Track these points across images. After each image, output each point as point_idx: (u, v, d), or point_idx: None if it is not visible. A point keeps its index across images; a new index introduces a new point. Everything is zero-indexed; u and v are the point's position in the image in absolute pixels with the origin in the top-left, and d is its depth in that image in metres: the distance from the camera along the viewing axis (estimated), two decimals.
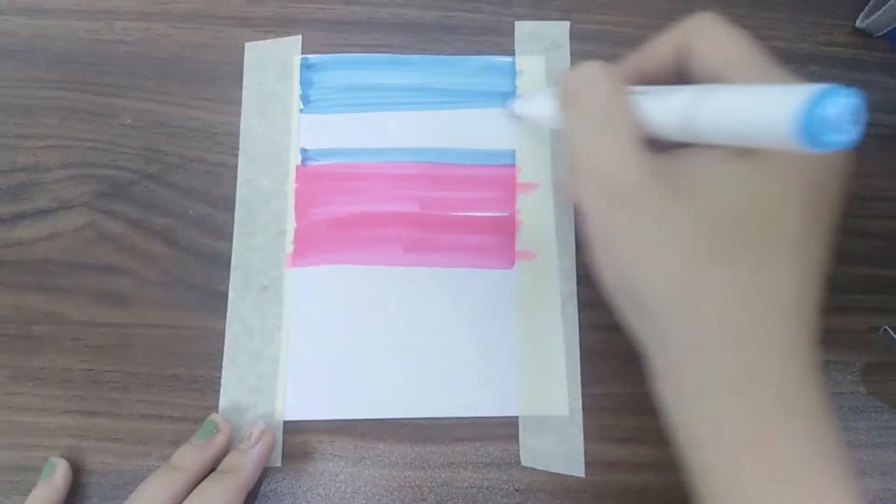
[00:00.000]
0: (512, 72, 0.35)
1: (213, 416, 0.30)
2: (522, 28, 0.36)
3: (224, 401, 0.31)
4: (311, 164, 0.34)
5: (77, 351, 0.32)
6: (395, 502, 0.30)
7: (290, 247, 0.33)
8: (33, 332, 0.32)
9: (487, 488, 0.31)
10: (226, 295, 0.32)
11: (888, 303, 0.34)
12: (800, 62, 0.37)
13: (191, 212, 0.34)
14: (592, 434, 0.31)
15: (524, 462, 0.31)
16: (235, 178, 0.34)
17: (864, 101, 0.14)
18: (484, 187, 0.34)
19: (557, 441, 0.31)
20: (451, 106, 0.35)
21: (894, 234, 0.35)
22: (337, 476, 0.31)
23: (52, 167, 0.34)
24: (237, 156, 0.34)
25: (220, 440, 0.29)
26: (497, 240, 0.33)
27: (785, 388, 0.17)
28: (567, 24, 0.36)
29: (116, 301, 0.33)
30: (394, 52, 0.36)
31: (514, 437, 0.31)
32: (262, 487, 0.30)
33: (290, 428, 0.31)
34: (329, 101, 0.35)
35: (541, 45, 0.36)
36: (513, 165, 0.34)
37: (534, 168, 0.34)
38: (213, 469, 0.29)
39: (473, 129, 0.35)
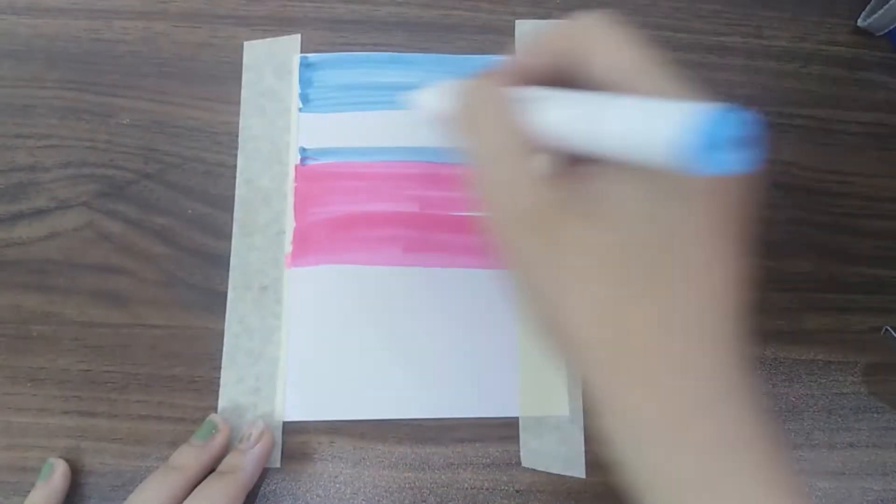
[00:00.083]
0: None
1: (213, 417, 0.30)
2: (522, 27, 0.36)
3: (223, 401, 0.31)
4: (311, 163, 0.34)
5: (76, 351, 0.32)
6: (395, 503, 0.30)
7: (289, 247, 0.33)
8: (32, 332, 0.32)
9: (488, 489, 0.31)
10: (225, 295, 0.32)
11: (889, 303, 0.34)
12: (801, 61, 0.37)
13: (190, 211, 0.33)
14: (593, 434, 0.31)
15: (525, 463, 0.31)
16: (234, 177, 0.34)
17: (760, 125, 0.13)
18: None
19: (558, 442, 0.31)
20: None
21: (894, 234, 0.35)
22: (336, 477, 0.31)
23: (51, 167, 0.34)
24: (236, 155, 0.34)
25: (219, 441, 0.29)
26: None
27: (722, 421, 0.16)
28: None
29: (115, 301, 0.32)
30: (393, 52, 0.35)
31: (515, 437, 0.31)
32: (262, 488, 0.30)
33: (290, 428, 0.31)
34: (328, 100, 0.35)
35: None
36: None
37: None
38: (212, 470, 0.29)
39: None
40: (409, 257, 0.33)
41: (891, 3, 0.35)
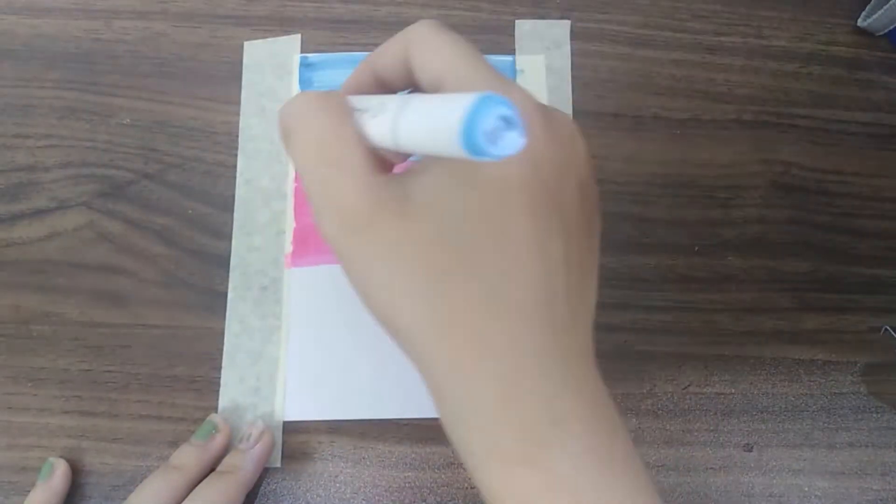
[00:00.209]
0: (512, 71, 0.35)
1: (213, 417, 0.30)
2: (523, 27, 0.36)
3: (223, 401, 0.31)
4: None
5: (76, 351, 0.32)
6: (395, 503, 0.30)
7: (289, 247, 0.33)
8: (32, 332, 0.32)
9: None
10: (225, 295, 0.32)
11: (889, 303, 0.34)
12: (801, 61, 0.37)
13: (190, 211, 0.33)
14: None
15: None
16: (234, 177, 0.34)
17: (519, 113, 0.14)
18: None
19: None
20: None
21: (894, 234, 0.35)
22: (337, 476, 0.31)
23: (51, 167, 0.34)
24: (236, 155, 0.34)
25: (219, 440, 0.29)
26: None
27: (548, 396, 0.17)
28: (567, 22, 0.36)
29: (115, 301, 0.32)
30: None
31: None
32: (262, 488, 0.30)
33: (290, 428, 0.31)
34: None
35: (541, 43, 0.36)
36: None
37: None
38: (212, 469, 0.29)
39: None
40: None
41: (890, 3, 0.35)
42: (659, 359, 0.33)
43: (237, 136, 0.34)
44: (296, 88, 0.35)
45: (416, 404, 0.31)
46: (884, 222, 0.35)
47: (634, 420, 0.32)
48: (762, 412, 0.32)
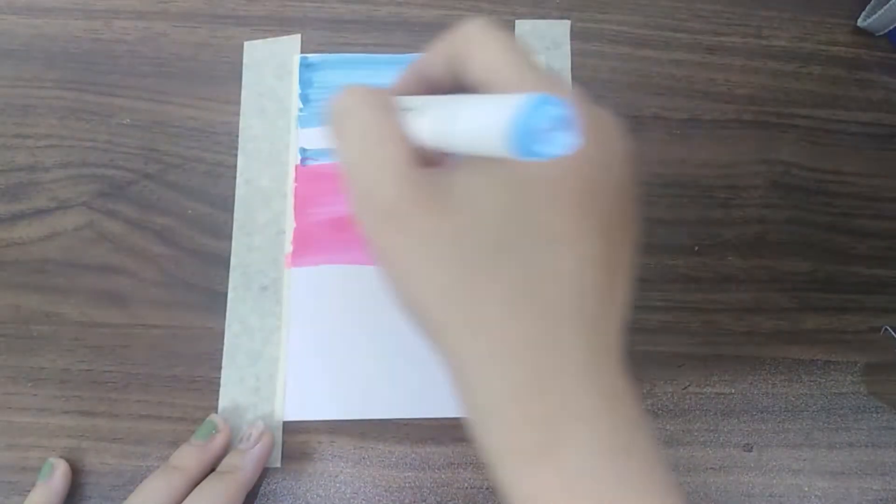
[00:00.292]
0: None
1: (213, 417, 0.30)
2: (523, 27, 0.36)
3: (223, 401, 0.31)
4: (311, 163, 0.34)
5: (76, 351, 0.32)
6: (395, 503, 0.30)
7: (289, 247, 0.33)
8: (32, 332, 0.32)
9: (488, 489, 0.31)
10: (225, 295, 0.32)
11: (888, 303, 0.34)
12: (801, 61, 0.37)
13: (190, 211, 0.33)
14: None
15: None
16: (234, 177, 0.34)
17: (573, 113, 0.14)
18: None
19: None
20: None
21: (894, 234, 0.35)
22: (337, 476, 0.31)
23: (51, 167, 0.34)
24: (236, 155, 0.34)
25: (219, 441, 0.29)
26: None
27: (575, 395, 0.17)
28: (567, 22, 0.36)
29: (115, 301, 0.32)
30: (393, 52, 0.35)
31: None
32: (262, 488, 0.30)
33: (290, 428, 0.31)
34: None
35: (541, 43, 0.36)
36: None
37: None
38: (212, 470, 0.29)
39: None
40: None
41: (890, 3, 0.35)
42: (659, 359, 0.33)
43: (237, 136, 0.34)
44: (296, 89, 0.35)
45: (416, 404, 0.31)
46: (883, 222, 0.35)
47: None
48: (762, 412, 0.32)
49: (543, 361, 0.17)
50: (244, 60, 0.35)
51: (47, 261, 0.33)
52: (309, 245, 0.33)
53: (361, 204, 0.19)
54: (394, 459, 0.31)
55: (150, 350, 0.32)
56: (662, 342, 0.33)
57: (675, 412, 0.32)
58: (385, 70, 0.35)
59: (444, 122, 0.17)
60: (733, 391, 0.33)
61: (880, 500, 0.32)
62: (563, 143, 0.14)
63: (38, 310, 0.32)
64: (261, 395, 0.31)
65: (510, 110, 0.14)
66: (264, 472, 0.30)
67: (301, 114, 0.35)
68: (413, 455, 0.31)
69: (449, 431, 0.31)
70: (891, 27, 0.36)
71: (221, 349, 0.32)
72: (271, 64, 0.35)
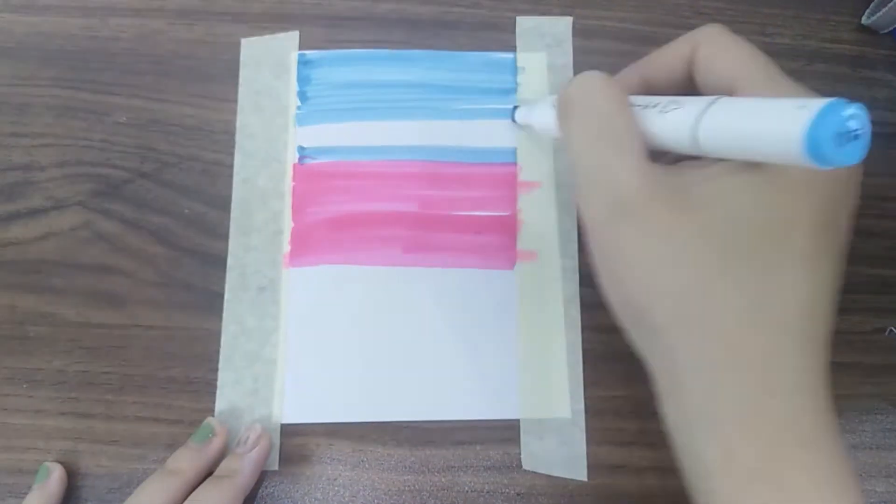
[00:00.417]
0: (513, 68, 0.35)
1: (210, 420, 0.30)
2: (524, 24, 0.36)
3: (220, 403, 0.31)
4: (309, 162, 0.34)
5: (72, 352, 0.32)
6: None
7: (287, 247, 0.33)
8: (28, 332, 0.32)
9: (488, 492, 0.30)
10: (222, 296, 0.32)
11: (893, 303, 0.34)
12: (805, 59, 0.36)
13: (186, 211, 0.33)
14: (595, 437, 0.31)
15: (525, 465, 0.31)
16: (232, 176, 0.33)
17: (868, 115, 0.14)
18: (485, 186, 0.33)
19: (559, 444, 0.31)
20: (451, 103, 0.34)
21: None
22: (335, 480, 0.30)
23: (47, 166, 0.34)
24: (233, 154, 0.34)
25: (216, 444, 0.29)
26: (498, 240, 0.33)
27: (796, 415, 0.17)
28: (569, 19, 0.36)
29: (111, 302, 0.32)
30: (393, 49, 0.35)
31: (516, 440, 0.31)
32: (260, 491, 0.30)
33: (288, 431, 0.31)
34: (327, 98, 0.34)
35: (542, 41, 0.35)
36: (514, 164, 0.34)
37: (535, 166, 0.34)
38: (209, 473, 0.29)
39: (474, 127, 0.34)
40: (408, 257, 0.33)
41: (895, 0, 0.34)
42: None
43: (234, 135, 0.34)
44: (294, 86, 0.35)
45: (415, 407, 0.31)
46: (889, 222, 0.35)
47: (639, 422, 0.31)
48: None
49: (772, 380, 0.17)
50: (241, 58, 0.35)
51: (43, 261, 0.33)
52: (307, 245, 0.33)
53: (592, 190, 0.18)
54: (393, 462, 0.31)
55: (146, 351, 0.32)
56: None
57: None
58: (385, 67, 0.35)
59: (702, 121, 0.16)
60: None
61: (885, 502, 0.32)
62: (854, 151, 0.14)
63: (33, 310, 0.32)
64: (258, 397, 0.31)
65: (805, 114, 0.13)
66: (262, 476, 0.30)
67: (299, 111, 0.34)
68: (412, 458, 0.31)
69: (449, 434, 0.31)
70: (895, 25, 0.36)
71: (219, 350, 0.31)
72: (269, 61, 0.35)
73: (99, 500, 0.30)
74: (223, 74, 0.35)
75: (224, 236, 0.33)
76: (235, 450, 0.29)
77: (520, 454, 0.31)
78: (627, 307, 0.19)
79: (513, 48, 0.35)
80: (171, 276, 0.32)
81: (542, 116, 0.29)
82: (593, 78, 0.19)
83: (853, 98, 0.36)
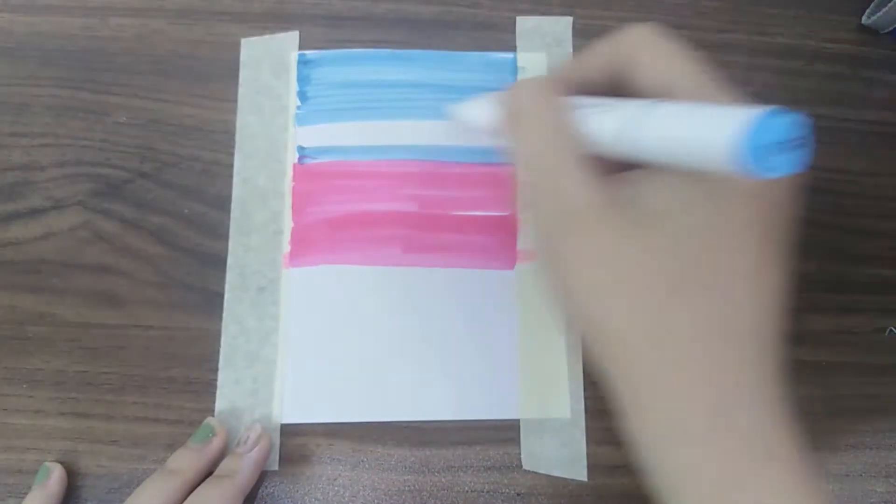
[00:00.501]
0: (513, 68, 0.35)
1: (210, 420, 0.30)
2: (524, 24, 0.36)
3: (220, 403, 0.31)
4: (309, 162, 0.34)
5: (71, 352, 0.32)
6: None
7: (287, 247, 0.33)
8: (27, 333, 0.32)
9: (488, 492, 0.30)
10: (222, 296, 0.32)
11: (894, 304, 0.34)
12: (805, 59, 0.36)
13: (186, 211, 0.33)
14: (595, 437, 0.31)
15: (525, 466, 0.31)
16: (231, 176, 0.33)
17: (809, 126, 0.13)
18: (485, 186, 0.33)
19: (559, 444, 0.31)
20: (452, 103, 0.34)
21: None
22: (335, 480, 0.30)
23: (46, 166, 0.34)
24: (233, 154, 0.34)
25: (216, 444, 0.29)
26: (498, 239, 0.33)
27: (758, 427, 0.16)
28: (569, 19, 0.36)
29: (111, 302, 0.32)
30: (393, 48, 0.35)
31: (516, 440, 0.31)
32: (259, 491, 0.30)
33: (288, 431, 0.31)
34: (327, 98, 0.34)
35: (543, 41, 0.35)
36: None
37: None
38: (209, 473, 0.29)
39: None
40: (408, 257, 0.32)
41: (895, 1, 0.34)
42: None
43: (234, 135, 0.34)
44: (294, 86, 0.35)
45: (415, 407, 0.31)
46: (890, 222, 0.35)
47: None
48: None
49: (730, 391, 0.16)
50: (241, 58, 0.35)
51: (42, 261, 0.32)
52: (307, 245, 0.33)
53: (541, 205, 0.18)
54: (392, 463, 0.31)
55: (146, 351, 0.32)
56: None
57: None
58: (385, 66, 0.35)
59: (637, 126, 0.16)
60: None
61: (885, 502, 0.32)
62: (789, 162, 0.13)
63: (33, 311, 0.32)
64: (258, 397, 0.31)
65: (738, 122, 0.13)
66: (262, 476, 0.30)
67: (299, 111, 0.34)
68: (412, 458, 0.31)
69: (448, 434, 0.31)
70: (895, 24, 0.36)
71: (218, 351, 0.31)
72: (269, 61, 0.35)
73: (99, 500, 0.30)
74: (223, 74, 0.35)
75: (224, 236, 0.33)
76: (235, 450, 0.29)
77: (520, 454, 0.31)
78: (579, 322, 0.18)
79: (513, 48, 0.35)
80: (171, 276, 0.32)
81: (483, 118, 0.27)
82: (538, 86, 0.19)
83: (853, 97, 0.36)
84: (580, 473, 0.30)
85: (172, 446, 0.29)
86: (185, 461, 0.28)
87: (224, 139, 0.34)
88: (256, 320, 0.32)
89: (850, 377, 0.33)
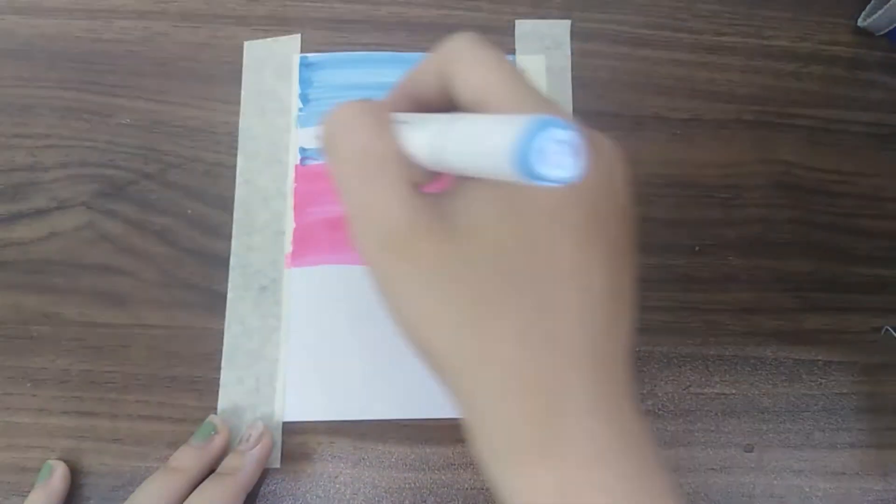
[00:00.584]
0: None
1: (212, 418, 0.30)
2: (523, 27, 0.36)
3: (223, 402, 0.31)
4: (311, 163, 0.34)
5: (75, 352, 0.32)
6: (394, 503, 0.30)
7: (288, 247, 0.33)
8: (32, 332, 0.32)
9: (488, 489, 0.30)
10: (224, 295, 0.32)
11: (890, 303, 0.34)
12: (802, 61, 0.37)
13: (189, 211, 0.33)
14: None
15: None
16: (234, 177, 0.34)
17: (580, 137, 0.13)
18: None
19: None
20: None
21: (895, 234, 0.35)
22: (336, 477, 0.31)
23: (51, 167, 0.34)
24: (236, 155, 0.34)
25: (218, 442, 0.29)
26: None
27: (590, 434, 0.16)
28: (568, 22, 0.36)
29: (115, 301, 0.32)
30: (394, 51, 0.35)
31: None
32: (261, 489, 0.30)
33: (289, 429, 0.31)
34: (328, 100, 0.35)
35: (541, 43, 0.36)
36: None
37: None
38: (211, 471, 0.29)
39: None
40: None
41: (891, 2, 0.35)
42: (660, 359, 0.33)
43: (237, 136, 0.34)
44: (296, 88, 0.35)
45: (416, 405, 0.31)
46: (885, 222, 0.35)
47: None
48: (763, 412, 0.32)
49: (556, 401, 0.16)
50: (244, 60, 0.35)
51: (47, 261, 0.33)
52: (308, 245, 0.33)
53: (360, 226, 0.18)
54: (393, 460, 0.31)
55: (149, 350, 0.32)
56: (663, 342, 0.33)
57: (676, 412, 0.32)
58: (385, 69, 0.35)
59: (440, 140, 0.16)
60: (734, 391, 0.32)
61: (881, 500, 0.32)
62: (569, 168, 0.13)
63: (37, 310, 0.32)
64: (260, 395, 0.31)
65: (513, 130, 0.13)
66: (264, 473, 0.30)
67: (301, 113, 0.35)
68: (412, 456, 0.31)
69: (448, 432, 0.31)
70: (891, 27, 0.36)
71: (221, 349, 0.32)
72: (271, 64, 0.35)
73: (102, 497, 0.30)
74: (226, 77, 0.35)
75: (226, 236, 0.33)
76: (237, 448, 0.29)
77: None
78: (409, 338, 0.18)
79: (512, 51, 0.36)
80: (174, 275, 0.33)
81: (316, 139, 0.27)
82: (352, 108, 0.19)
83: (849, 99, 0.37)
84: None
85: (175, 444, 0.30)
86: (188, 459, 0.28)
87: (227, 141, 0.34)
88: (258, 319, 0.32)
89: (846, 376, 0.33)
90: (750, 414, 0.32)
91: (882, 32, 0.37)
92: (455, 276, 0.17)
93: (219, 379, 0.31)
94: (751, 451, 0.32)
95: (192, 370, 0.32)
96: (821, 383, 0.33)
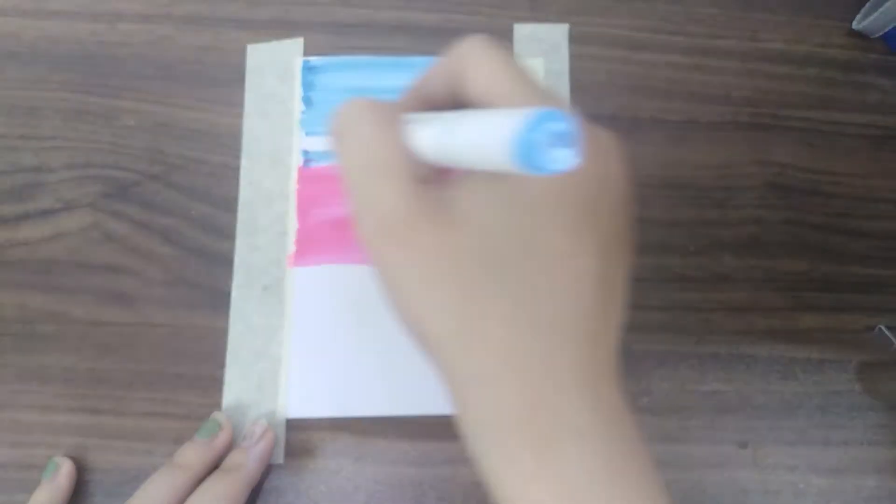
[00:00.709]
0: None
1: (216, 415, 0.31)
2: (521, 31, 0.37)
3: (227, 399, 0.32)
4: (313, 165, 0.34)
5: (81, 350, 0.32)
6: (396, 499, 0.31)
7: (292, 247, 0.33)
8: (38, 331, 0.33)
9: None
10: (228, 294, 0.33)
11: (883, 303, 0.34)
12: (797, 64, 0.37)
13: (193, 212, 0.34)
14: None
15: None
16: (238, 179, 0.34)
17: (577, 127, 0.14)
18: None
19: None
20: None
21: (890, 234, 0.35)
22: (339, 473, 0.31)
23: (56, 168, 0.34)
24: (240, 157, 0.35)
25: (222, 438, 0.30)
26: None
27: (573, 410, 0.17)
28: (566, 26, 0.37)
29: (120, 301, 0.33)
30: (395, 55, 0.36)
31: None
32: (265, 484, 0.31)
33: (293, 425, 0.31)
34: (330, 103, 0.35)
35: (539, 47, 0.36)
36: None
37: None
38: (215, 467, 0.29)
39: None
40: None
41: (886, 5, 0.35)
42: (655, 357, 0.33)
43: (241, 139, 0.35)
44: (298, 92, 0.35)
45: (417, 401, 0.32)
46: (878, 223, 0.35)
47: (636, 417, 0.32)
48: (757, 410, 0.33)
49: (541, 380, 0.17)
50: (247, 63, 0.36)
51: (53, 261, 0.33)
52: (311, 245, 0.33)
53: (362, 216, 0.19)
54: (394, 456, 0.31)
55: (154, 349, 0.32)
56: (659, 340, 0.33)
57: (671, 409, 0.33)
58: (387, 73, 0.36)
59: (446, 134, 0.17)
60: (729, 389, 0.33)
61: (875, 497, 0.32)
62: (566, 158, 0.14)
63: (43, 309, 0.33)
64: (264, 393, 0.32)
65: (513, 122, 0.14)
66: (267, 469, 0.31)
67: (303, 116, 0.35)
68: (413, 452, 0.31)
69: (449, 428, 0.31)
70: (886, 29, 0.36)
71: (225, 348, 0.32)
72: (274, 67, 0.36)
73: (107, 494, 0.31)
74: (230, 80, 0.36)
75: (230, 237, 0.34)
76: (241, 444, 0.30)
77: None
78: (406, 324, 0.19)
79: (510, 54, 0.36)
80: (179, 275, 0.33)
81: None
82: (360, 104, 0.20)
83: (843, 102, 0.37)
84: None
85: (180, 441, 0.30)
86: (192, 455, 0.29)
87: (231, 143, 0.35)
88: (262, 318, 0.33)
89: (840, 374, 0.34)
90: (744, 411, 0.33)
91: (877, 35, 0.37)
92: (449, 261, 0.17)
93: (223, 376, 0.32)
94: (745, 448, 0.32)
95: (197, 368, 0.32)
96: (815, 381, 0.33)
